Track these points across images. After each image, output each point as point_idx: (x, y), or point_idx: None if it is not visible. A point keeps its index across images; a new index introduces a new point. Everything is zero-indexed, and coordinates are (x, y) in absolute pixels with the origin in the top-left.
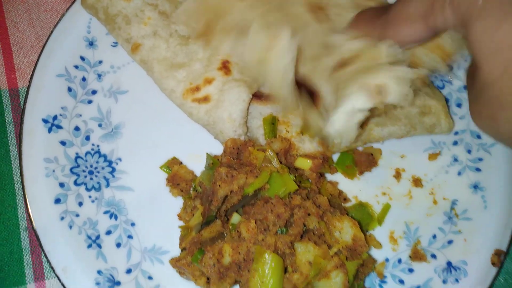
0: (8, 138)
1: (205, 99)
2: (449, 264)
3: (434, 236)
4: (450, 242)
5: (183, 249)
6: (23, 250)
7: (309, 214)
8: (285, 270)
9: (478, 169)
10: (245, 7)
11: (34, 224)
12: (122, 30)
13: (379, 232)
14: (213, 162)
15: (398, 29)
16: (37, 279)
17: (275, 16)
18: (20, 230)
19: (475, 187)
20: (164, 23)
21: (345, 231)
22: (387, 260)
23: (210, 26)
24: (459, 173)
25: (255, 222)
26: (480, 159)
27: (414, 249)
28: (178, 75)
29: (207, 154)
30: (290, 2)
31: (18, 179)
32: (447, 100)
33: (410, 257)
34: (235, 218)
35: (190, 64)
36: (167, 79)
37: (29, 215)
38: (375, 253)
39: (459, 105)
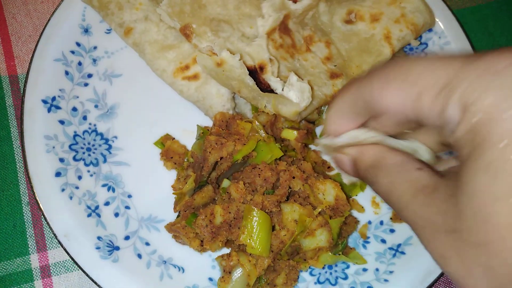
0: (9, 121)
1: (195, 77)
2: None
3: None
4: None
5: (177, 215)
6: (26, 223)
7: (294, 177)
8: (273, 229)
9: None
10: (221, 0)
11: (36, 195)
12: (115, 16)
13: (362, 197)
14: (203, 132)
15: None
16: (40, 250)
17: (250, 6)
18: (22, 205)
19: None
20: (155, 8)
21: (327, 192)
22: (369, 222)
23: (189, 25)
24: None
25: (244, 185)
26: None
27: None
28: (169, 56)
29: (197, 125)
30: None
31: (19, 158)
32: None
33: (391, 218)
34: (225, 183)
35: (180, 46)
36: (158, 60)
37: (31, 190)
38: (359, 216)
39: None
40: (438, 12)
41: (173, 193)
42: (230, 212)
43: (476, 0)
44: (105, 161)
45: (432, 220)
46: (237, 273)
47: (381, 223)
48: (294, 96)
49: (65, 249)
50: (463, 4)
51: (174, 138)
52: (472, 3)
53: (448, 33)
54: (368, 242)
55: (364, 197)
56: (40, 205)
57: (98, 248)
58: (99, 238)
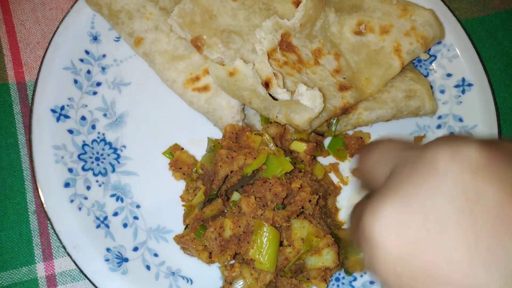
0: (17, 128)
1: (205, 88)
2: None
3: None
4: None
5: (186, 226)
6: (32, 232)
7: (310, 201)
8: (281, 244)
9: None
10: (232, 10)
11: (45, 206)
12: (125, 25)
13: None
14: (214, 145)
15: None
16: (46, 259)
17: (260, 17)
18: (29, 213)
19: None
20: (165, 18)
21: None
22: None
23: (200, 37)
24: None
25: (254, 199)
26: None
27: None
28: (179, 66)
29: (208, 138)
30: (276, 0)
31: (27, 166)
32: (431, 87)
33: None
34: (235, 196)
35: (190, 56)
36: (169, 70)
37: (38, 199)
38: None
39: (442, 91)
40: (447, 24)
41: (182, 205)
42: (239, 226)
43: (485, 10)
44: (113, 170)
45: None
46: (238, 285)
47: None
48: (306, 103)
49: (74, 262)
50: (471, 14)
51: (183, 148)
52: (481, 13)
53: (457, 46)
54: None
55: None
56: (50, 217)
57: (107, 260)
58: (108, 249)
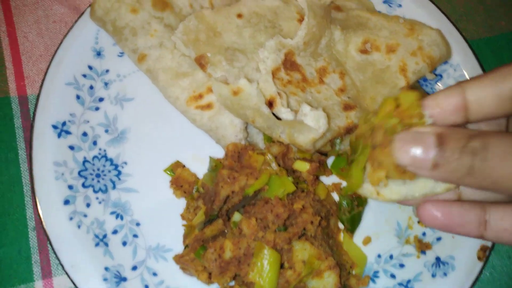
0: (17, 143)
1: (208, 106)
2: (438, 259)
3: (424, 234)
4: (439, 239)
5: (186, 246)
6: (31, 248)
7: (312, 222)
8: (282, 266)
9: None
10: (237, 28)
11: (44, 224)
12: (129, 41)
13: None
14: (216, 165)
15: None
16: (45, 277)
17: (265, 35)
18: (28, 229)
19: None
20: (170, 35)
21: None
22: (379, 256)
23: (204, 56)
24: None
25: (255, 220)
26: None
27: (416, 240)
28: (182, 84)
29: (210, 157)
30: (282, 18)
31: (27, 181)
32: None
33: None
34: (236, 216)
35: (194, 74)
36: (172, 87)
37: (38, 216)
38: (368, 249)
39: None
40: (454, 44)
41: (182, 225)
42: (240, 248)
43: (492, 31)
44: (114, 187)
45: None
46: None
47: (391, 257)
48: (310, 123)
49: (72, 281)
50: (478, 35)
51: (184, 166)
52: (487, 34)
53: (464, 67)
54: (377, 277)
55: (373, 228)
56: (48, 235)
57: (105, 279)
58: (106, 268)
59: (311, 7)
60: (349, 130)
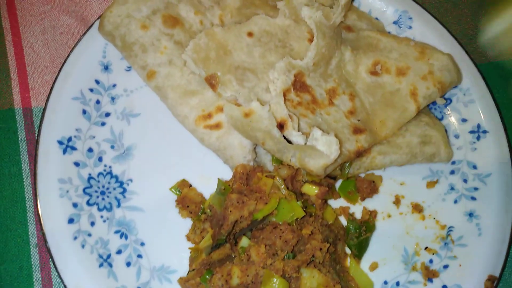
0: (21, 156)
1: (217, 126)
2: (444, 287)
3: (431, 261)
4: (446, 266)
5: (192, 270)
6: (33, 266)
7: (321, 249)
8: None
9: (473, 198)
10: (247, 47)
11: (48, 243)
12: (138, 58)
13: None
14: (225, 188)
15: None
16: None
17: (276, 55)
18: (30, 246)
19: (470, 215)
20: (179, 52)
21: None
22: (385, 282)
23: (215, 75)
24: (455, 201)
25: (264, 246)
26: (476, 189)
27: (423, 267)
28: (191, 102)
29: (218, 179)
30: (293, 37)
31: (30, 196)
32: (445, 131)
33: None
34: (244, 241)
35: (203, 92)
36: (181, 106)
37: (41, 232)
38: (374, 275)
39: (456, 136)
40: (465, 69)
41: (189, 248)
42: (248, 275)
43: (500, 56)
44: (118, 205)
45: None
46: None
47: (397, 283)
48: (321, 149)
49: None
50: (486, 59)
51: (191, 185)
52: (495, 58)
53: (473, 92)
54: None
55: (382, 251)
56: (53, 255)
57: None
58: None
59: (319, 28)
60: (359, 154)
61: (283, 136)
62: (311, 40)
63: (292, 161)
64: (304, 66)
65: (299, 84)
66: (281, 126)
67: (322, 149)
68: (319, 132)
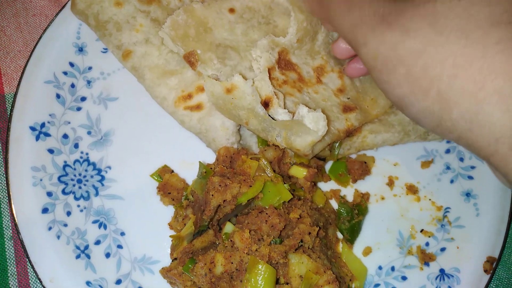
0: None
1: (198, 107)
2: (442, 271)
3: (427, 244)
4: (443, 249)
5: (174, 259)
6: (8, 260)
7: (310, 233)
8: (277, 281)
9: (470, 177)
10: (229, 23)
11: (20, 234)
12: (113, 37)
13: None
14: (206, 171)
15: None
16: None
17: (259, 32)
18: (5, 239)
19: (468, 194)
20: (156, 30)
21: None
22: (380, 268)
23: (194, 52)
24: (452, 181)
25: (249, 232)
26: (472, 167)
27: (419, 251)
28: (170, 83)
29: (200, 162)
30: (277, 14)
31: (3, 187)
32: None
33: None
34: (228, 227)
35: (182, 72)
36: (159, 87)
37: (15, 225)
38: (368, 260)
39: None
40: None
41: (170, 236)
42: (232, 262)
43: None
44: (97, 194)
45: None
46: None
47: (393, 269)
48: (308, 125)
49: None
50: None
51: (172, 171)
52: None
53: None
54: None
55: (374, 236)
56: (25, 246)
57: None
58: (88, 283)
59: (293, 2)
60: (349, 133)
61: (268, 115)
62: None
63: (278, 140)
64: (287, 43)
65: (284, 62)
66: (266, 104)
67: (309, 126)
68: (306, 108)
